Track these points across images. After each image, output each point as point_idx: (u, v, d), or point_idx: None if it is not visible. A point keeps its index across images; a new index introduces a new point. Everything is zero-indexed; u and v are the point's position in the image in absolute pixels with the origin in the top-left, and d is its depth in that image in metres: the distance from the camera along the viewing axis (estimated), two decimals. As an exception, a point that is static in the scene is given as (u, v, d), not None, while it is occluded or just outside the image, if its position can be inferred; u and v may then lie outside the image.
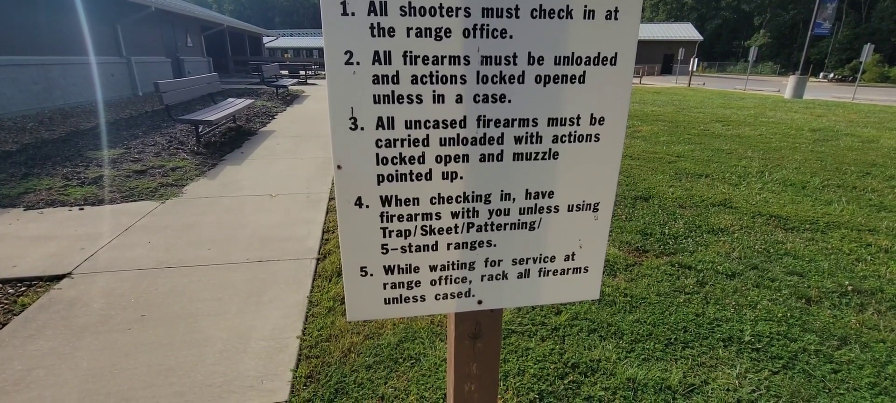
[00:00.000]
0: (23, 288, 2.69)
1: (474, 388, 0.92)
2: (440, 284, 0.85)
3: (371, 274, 0.81)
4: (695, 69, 25.11)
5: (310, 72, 23.98)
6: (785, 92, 17.96)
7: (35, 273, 2.83)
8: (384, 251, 0.80)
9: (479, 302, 0.87)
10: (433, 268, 0.83)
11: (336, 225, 3.63)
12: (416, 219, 0.78)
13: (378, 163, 0.73)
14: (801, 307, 2.54)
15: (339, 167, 0.71)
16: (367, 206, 0.76)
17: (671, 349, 2.18)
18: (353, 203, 0.75)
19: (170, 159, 5.59)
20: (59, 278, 2.78)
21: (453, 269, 0.84)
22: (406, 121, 0.70)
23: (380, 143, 0.72)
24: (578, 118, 0.75)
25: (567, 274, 0.89)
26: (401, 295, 0.84)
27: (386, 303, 0.84)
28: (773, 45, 59.60)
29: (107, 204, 4.05)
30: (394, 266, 0.82)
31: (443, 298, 0.86)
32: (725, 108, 12.38)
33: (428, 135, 0.72)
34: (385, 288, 0.83)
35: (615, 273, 2.94)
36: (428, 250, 0.81)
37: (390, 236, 0.79)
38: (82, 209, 3.92)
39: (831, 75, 42.19)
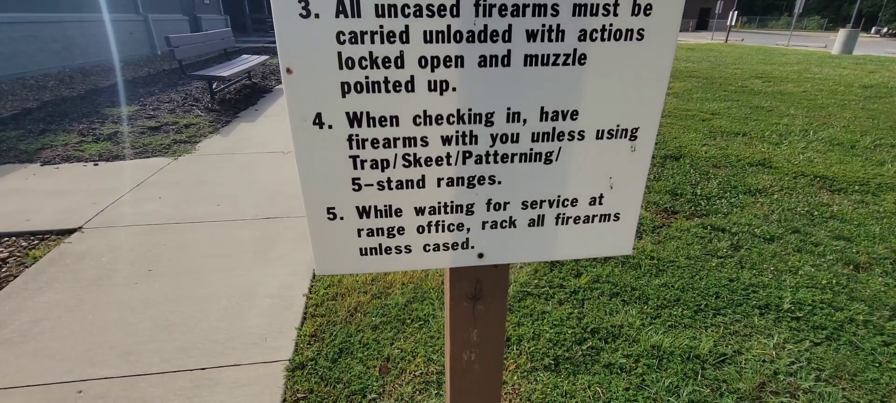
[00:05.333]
0: (36, 242, 2.68)
1: (474, 358, 0.78)
2: (430, 232, 0.69)
3: (340, 217, 0.66)
4: (733, 24, 23.56)
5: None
6: (832, 47, 16.73)
7: (47, 227, 2.81)
8: (356, 187, 0.64)
9: (480, 256, 0.71)
10: (420, 211, 0.67)
11: (348, 183, 3.52)
12: (395, 145, 0.61)
13: (341, 66, 0.55)
14: (848, 274, 2.32)
15: (288, 71, 0.54)
16: (330, 127, 0.59)
17: (701, 316, 2.01)
18: (310, 121, 0.58)
19: (184, 116, 5.53)
20: (70, 232, 2.76)
21: (446, 212, 0.68)
22: (376, 6, 0.52)
23: (342, 37, 0.54)
24: (615, 5, 0.55)
25: (592, 221, 0.71)
26: (380, 245, 0.69)
27: (362, 254, 0.69)
28: (818, -4, 55.53)
29: (121, 160, 4.02)
30: (369, 206, 0.66)
31: (433, 249, 0.70)
32: (766, 65, 11.59)
33: (407, 27, 0.54)
34: (360, 235, 0.67)
35: (641, 234, 2.75)
36: (412, 186, 0.65)
37: (363, 167, 0.62)
38: (97, 165, 3.90)
39: (885, 30, 39.17)
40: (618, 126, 0.63)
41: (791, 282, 2.24)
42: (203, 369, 1.76)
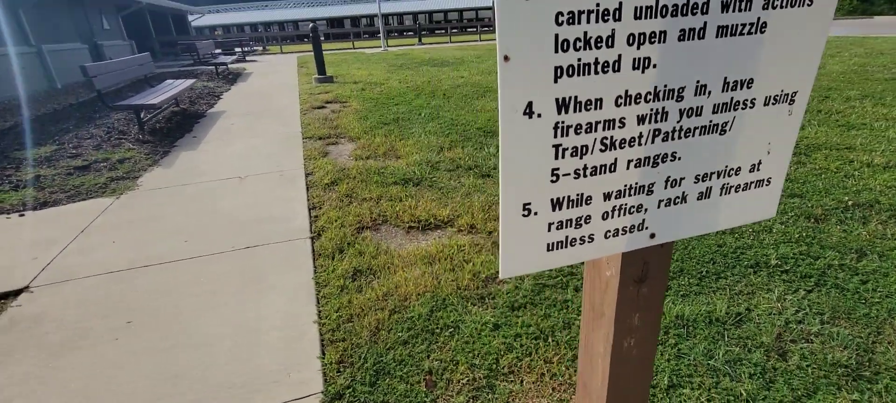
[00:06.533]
0: (-31, 311, 2.28)
1: (634, 344, 0.76)
2: (612, 217, 0.66)
3: (535, 213, 0.62)
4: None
5: (246, 49, 22.45)
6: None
7: (-19, 291, 2.41)
8: (554, 178, 0.60)
9: (652, 236, 0.70)
10: (607, 197, 0.65)
11: (321, 202, 3.36)
12: (595, 130, 0.58)
13: (557, 50, 0.52)
14: (812, 226, 2.59)
15: (505, 58, 0.50)
16: (539, 115, 0.55)
17: (706, 282, 2.14)
18: (521, 112, 0.54)
19: (113, 151, 4.99)
20: (15, 294, 2.38)
21: (629, 195, 0.66)
22: (596, -13, 0.50)
23: (561, 18, 0.51)
24: (796, -29, 0.56)
25: (748, 189, 0.72)
26: (567, 238, 0.65)
27: (549, 250, 0.65)
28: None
29: (52, 207, 3.55)
30: (563, 198, 0.62)
31: (613, 235, 0.68)
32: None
33: (620, 4, 0.52)
34: (549, 229, 0.64)
35: (625, 215, 2.88)
36: (605, 171, 0.62)
37: (563, 156, 0.59)
38: (23, 215, 3.41)
39: None
40: (782, 91, 0.65)
41: (770, 240, 2.46)
42: (229, 419, 1.59)
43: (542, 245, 0.65)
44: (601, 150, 0.60)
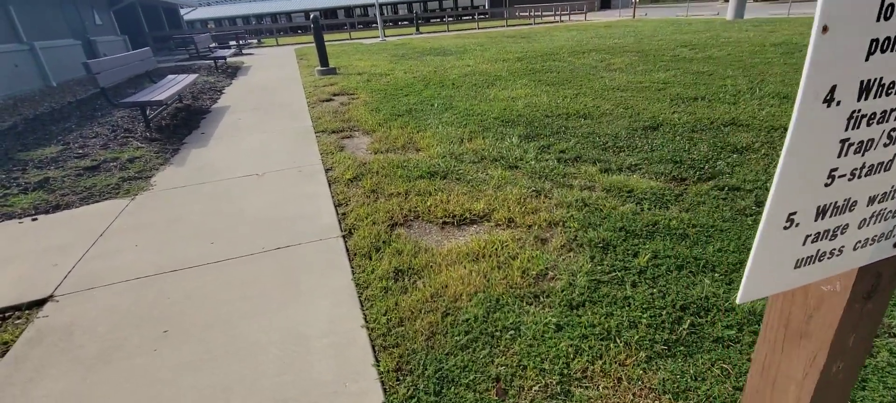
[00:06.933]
0: (-7, 323, 2.17)
1: (842, 367, 0.67)
2: (868, 225, 0.56)
3: (797, 224, 0.52)
4: (637, 1, 25.37)
5: (242, 42, 22.11)
6: (726, 14, 18.49)
7: (5, 302, 2.29)
8: (829, 180, 0.50)
9: (895, 246, 0.60)
10: (871, 201, 0.55)
11: (347, 198, 3.25)
12: (887, 119, 0.49)
13: (879, 17, 0.42)
14: (866, 211, 2.50)
15: (824, 30, 0.39)
16: (838, 103, 0.45)
17: (769, 273, 2.05)
18: (822, 98, 0.44)
19: (122, 150, 4.84)
20: (39, 303, 2.27)
21: (890, 199, 0.56)
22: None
23: None
24: None
25: None
26: (817, 252, 0.55)
27: (796, 267, 0.55)
28: (699, -29, 61.29)
29: (65, 210, 3.42)
30: (830, 204, 0.52)
31: (860, 246, 0.58)
32: (681, 34, 12.54)
33: None
34: (805, 242, 0.54)
35: (667, 204, 2.78)
36: (879, 171, 0.52)
37: (847, 154, 0.49)
38: (35, 219, 3.28)
39: (755, -4, 44.06)
40: None
41: None
42: (290, 436, 1.49)
43: (791, 261, 0.55)
44: (884, 144, 0.50)
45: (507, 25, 25.42)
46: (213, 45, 20.85)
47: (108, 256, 2.68)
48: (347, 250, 2.59)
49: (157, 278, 2.42)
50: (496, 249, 2.42)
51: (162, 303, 2.20)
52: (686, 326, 1.77)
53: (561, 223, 2.66)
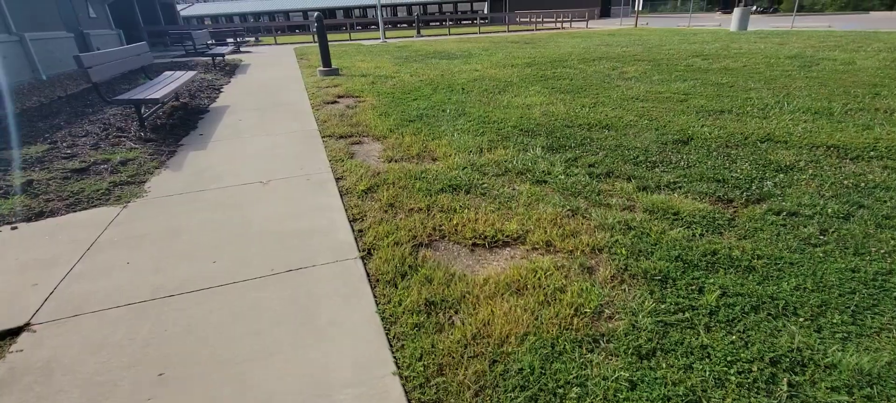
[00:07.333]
0: (-43, 357, 1.85)
1: None
2: None
3: None
4: (640, 9, 25.31)
5: (239, 40, 21.74)
6: (730, 25, 18.43)
7: (-28, 331, 1.97)
8: None
9: None
10: None
11: (362, 213, 2.96)
12: None
13: None
14: (949, 245, 2.25)
15: None
16: None
17: (861, 320, 1.79)
18: None
19: (113, 151, 4.52)
20: (14, 333, 1.95)
21: None
22: None
23: None
24: None
25: None
26: None
27: None
28: (697, -18, 61.85)
29: (50, 217, 3.09)
30: None
31: None
32: (689, 44, 12.38)
33: None
34: None
35: (720, 230, 2.52)
36: None
37: None
38: (15, 228, 2.95)
39: (754, 7, 44.39)
40: None
41: (909, 264, 2.12)
42: None
43: None
44: None
45: (509, 30, 25.25)
46: (211, 41, 20.51)
47: (96, 275, 2.37)
48: (368, 275, 2.30)
49: (151, 305, 2.11)
50: (539, 279, 2.14)
51: (158, 338, 1.89)
52: (784, 388, 1.50)
53: (606, 248, 2.39)
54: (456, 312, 1.97)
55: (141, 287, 2.24)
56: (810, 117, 4.60)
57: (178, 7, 30.53)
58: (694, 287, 2.03)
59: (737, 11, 17.59)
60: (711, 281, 2.06)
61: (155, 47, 21.49)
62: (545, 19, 29.00)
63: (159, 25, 24.31)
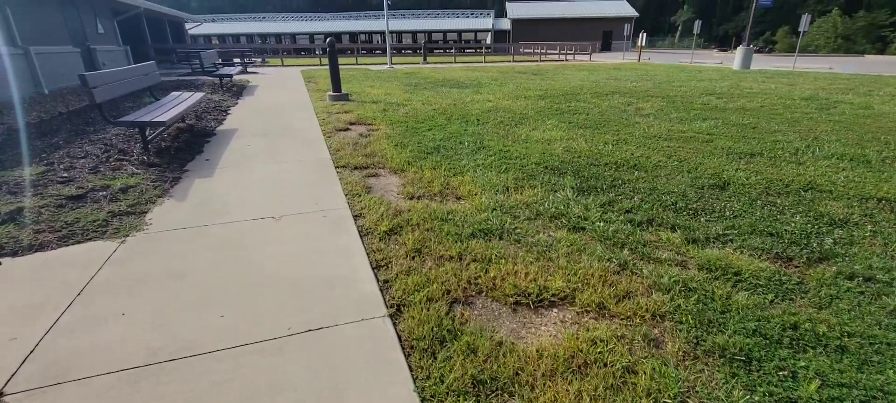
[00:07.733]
0: (-87, 435, 1.53)
1: None
2: None
3: None
4: (643, 44, 25.62)
5: (246, 61, 21.76)
6: (733, 63, 18.59)
7: (-66, 401, 1.66)
8: None
9: None
10: None
11: (386, 258, 2.68)
12: None
13: None
14: None
15: None
16: None
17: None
18: None
19: (114, 176, 4.24)
20: (-19, 409, 1.64)
21: None
22: None
23: None
24: None
25: None
26: None
27: None
28: (694, 18, 63.40)
29: (37, 252, 2.79)
30: None
31: None
32: (697, 81, 12.36)
33: None
34: None
35: (791, 296, 2.25)
36: None
37: None
38: (-1, 263, 2.65)
39: (750, 46, 45.27)
40: None
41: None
42: None
43: None
44: None
45: (514, 61, 25.45)
46: (219, 61, 20.50)
47: (86, 328, 2.06)
48: (400, 338, 2.01)
49: (147, 373, 1.80)
50: (601, 353, 1.85)
51: (155, 418, 1.58)
52: None
53: (668, 316, 2.11)
54: (510, 394, 1.67)
55: (136, 347, 1.94)
56: (848, 165, 4.40)
57: (187, 26, 30.75)
58: (785, 372, 1.74)
59: (740, 50, 17.77)
60: (802, 364, 1.78)
61: (162, 65, 21.47)
62: (549, 51, 29.34)
63: (167, 43, 24.39)
